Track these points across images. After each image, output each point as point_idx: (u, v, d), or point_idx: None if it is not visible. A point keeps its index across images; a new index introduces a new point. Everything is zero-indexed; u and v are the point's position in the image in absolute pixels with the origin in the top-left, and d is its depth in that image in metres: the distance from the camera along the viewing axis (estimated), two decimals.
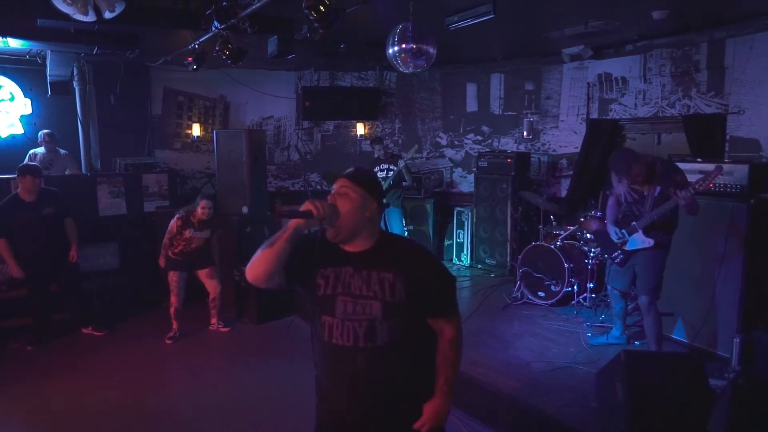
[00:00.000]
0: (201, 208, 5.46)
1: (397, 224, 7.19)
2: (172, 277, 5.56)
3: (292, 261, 2.02)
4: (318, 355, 2.17)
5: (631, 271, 4.32)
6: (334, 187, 2.08)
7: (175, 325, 5.66)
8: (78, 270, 5.74)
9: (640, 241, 4.15)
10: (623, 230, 4.26)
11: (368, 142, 8.67)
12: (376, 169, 7.24)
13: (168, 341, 5.58)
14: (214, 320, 5.92)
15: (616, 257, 4.36)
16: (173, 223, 5.50)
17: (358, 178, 2.08)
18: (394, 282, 2.01)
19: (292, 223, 1.98)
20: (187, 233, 5.49)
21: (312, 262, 2.09)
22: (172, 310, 5.63)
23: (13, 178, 5.42)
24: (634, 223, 4.16)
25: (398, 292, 2.01)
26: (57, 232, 5.47)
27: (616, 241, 4.32)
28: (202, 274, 5.72)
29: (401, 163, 6.91)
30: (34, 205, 5.30)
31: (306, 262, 2.08)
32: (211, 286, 5.75)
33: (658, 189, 4.04)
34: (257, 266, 2.03)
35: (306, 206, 1.94)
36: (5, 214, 5.23)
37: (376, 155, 7.39)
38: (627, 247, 4.26)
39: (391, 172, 7.02)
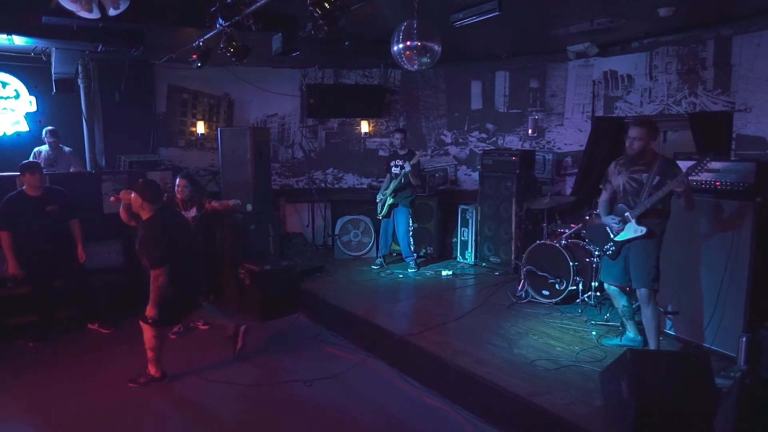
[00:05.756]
0: (177, 186, 5.53)
1: (403, 223, 7.15)
2: None
3: None
4: None
5: (623, 263, 4.32)
6: None
7: None
8: (81, 267, 5.76)
9: (632, 230, 4.16)
10: (618, 218, 4.28)
11: (372, 139, 8.69)
12: (391, 164, 7.20)
13: (172, 336, 5.60)
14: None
15: (608, 249, 4.38)
16: None
17: None
18: None
19: None
20: None
21: None
22: None
23: (19, 175, 5.46)
24: (627, 213, 4.18)
25: None
26: (60, 229, 5.50)
27: (615, 226, 4.28)
28: None
29: (407, 167, 6.80)
30: (38, 200, 5.35)
31: None
32: None
33: (657, 179, 4.06)
34: None
35: None
36: (9, 207, 5.29)
37: (393, 149, 7.35)
38: (619, 238, 4.27)
39: (403, 170, 6.93)
